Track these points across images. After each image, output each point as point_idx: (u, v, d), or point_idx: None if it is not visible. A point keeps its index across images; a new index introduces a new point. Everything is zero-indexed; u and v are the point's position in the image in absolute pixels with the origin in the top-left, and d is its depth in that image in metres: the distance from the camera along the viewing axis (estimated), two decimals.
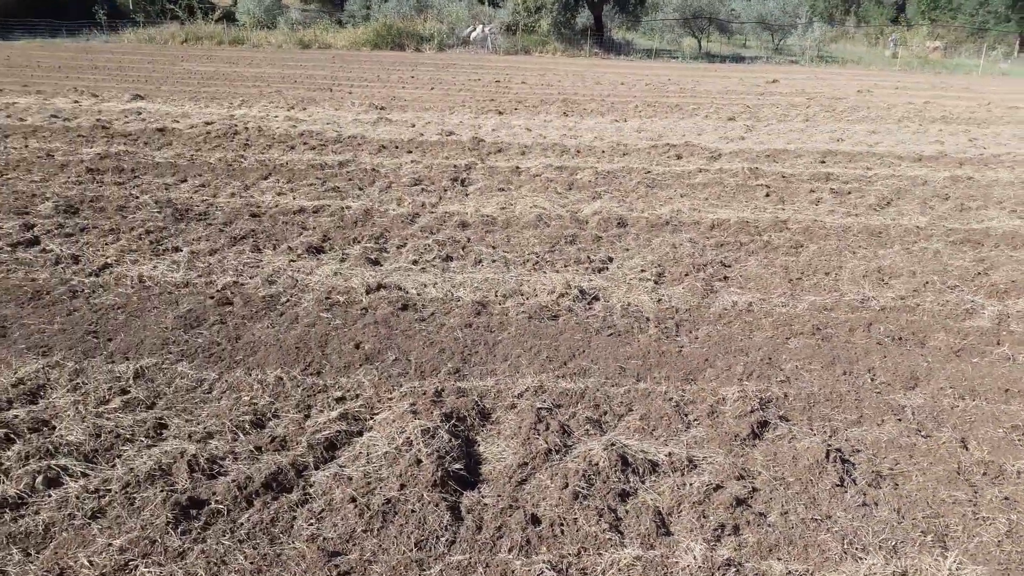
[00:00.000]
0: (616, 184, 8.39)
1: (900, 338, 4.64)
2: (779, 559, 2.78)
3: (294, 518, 2.92)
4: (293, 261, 5.57)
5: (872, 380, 4.13)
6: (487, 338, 4.49)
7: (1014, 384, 4.08)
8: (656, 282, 5.41)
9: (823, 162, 10.21)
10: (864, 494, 3.16)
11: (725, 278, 5.58)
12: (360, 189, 7.78)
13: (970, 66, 37.64)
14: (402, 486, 3.07)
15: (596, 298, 5.09)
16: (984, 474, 3.31)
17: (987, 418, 3.75)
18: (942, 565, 2.70)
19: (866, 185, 8.80)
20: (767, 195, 8.15)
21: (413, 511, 2.94)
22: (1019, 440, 3.56)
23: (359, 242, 6.08)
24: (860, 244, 6.50)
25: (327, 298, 4.93)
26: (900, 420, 3.73)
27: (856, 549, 2.84)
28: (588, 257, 5.86)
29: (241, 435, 3.39)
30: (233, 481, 3.05)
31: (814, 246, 6.38)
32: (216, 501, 2.96)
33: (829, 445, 3.42)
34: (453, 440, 3.37)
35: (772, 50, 41.92)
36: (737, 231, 6.74)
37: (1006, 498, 3.14)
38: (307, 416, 3.60)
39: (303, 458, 3.26)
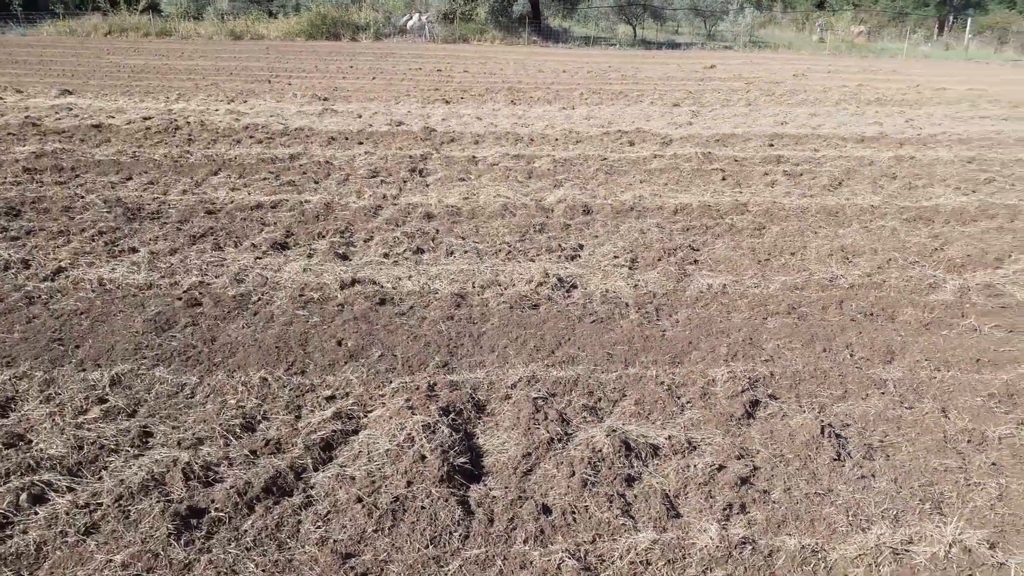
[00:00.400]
0: (575, 172, 8.43)
1: (871, 314, 4.80)
2: (789, 535, 2.84)
3: (299, 522, 2.85)
4: (259, 259, 5.41)
5: (851, 356, 4.26)
6: (471, 330, 4.45)
7: (983, 354, 4.26)
8: (631, 268, 5.46)
9: (771, 145, 10.45)
10: (860, 467, 3.26)
11: (696, 261, 5.67)
12: (316, 182, 7.61)
13: (894, 49, 39.07)
14: (409, 483, 3.02)
15: (574, 286, 5.10)
16: (969, 441, 3.45)
17: (964, 387, 3.91)
18: (944, 531, 2.80)
19: (816, 167, 9.05)
20: (723, 179, 8.30)
21: (423, 507, 2.90)
22: (996, 407, 3.72)
23: (324, 237, 5.95)
24: (820, 224, 6.69)
25: (301, 295, 4.82)
26: (883, 393, 3.85)
27: (861, 520, 2.92)
28: (559, 245, 5.87)
29: (233, 440, 3.28)
30: (231, 487, 2.95)
31: (776, 227, 6.53)
32: (216, 509, 2.86)
33: (821, 421, 3.52)
34: (454, 434, 3.33)
35: (705, 36, 42.69)
36: (700, 215, 6.85)
37: (993, 464, 3.28)
38: (298, 417, 3.51)
39: (301, 460, 3.17)
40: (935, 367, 4.12)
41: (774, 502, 3.04)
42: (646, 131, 11.17)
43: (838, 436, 3.46)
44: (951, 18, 47.26)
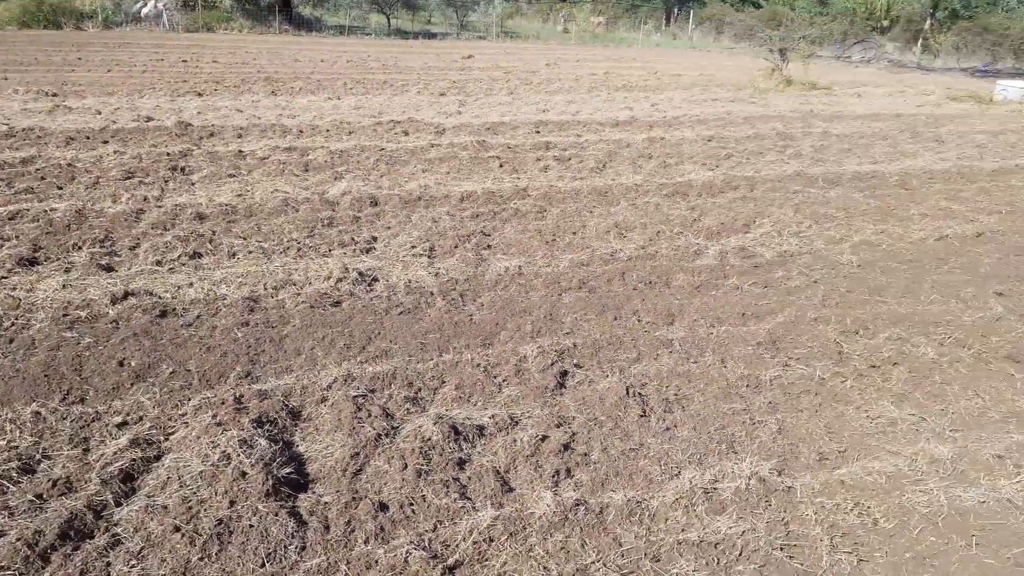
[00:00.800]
0: (354, 163, 8.29)
1: (650, 282, 5.29)
2: (614, 490, 3.08)
3: (108, 564, 2.58)
4: (4, 278, 4.72)
5: (639, 321, 4.67)
6: (271, 334, 4.25)
7: (747, 309, 4.89)
8: (429, 256, 5.51)
9: (538, 132, 11.03)
10: (663, 420, 3.61)
11: (489, 246, 5.86)
12: (60, 188, 6.77)
13: (631, 39, 42.73)
14: (232, 503, 2.84)
15: (375, 279, 5.05)
16: (747, 386, 3.95)
17: (736, 339, 4.46)
18: (742, 467, 3.20)
19: (582, 151, 9.71)
20: (501, 166, 8.63)
21: (252, 526, 2.75)
22: (764, 354, 4.29)
23: (81, 247, 5.33)
24: (594, 204, 7.21)
25: (65, 315, 4.29)
26: (671, 352, 4.28)
27: (672, 468, 3.25)
28: (352, 239, 5.77)
29: (11, 486, 2.87)
30: (18, 539, 2.59)
31: (556, 209, 6.94)
32: (2, 568, 2.50)
33: (624, 383, 3.84)
34: (274, 445, 3.19)
35: (458, 26, 43.69)
36: (486, 201, 7.08)
37: (770, 403, 3.79)
38: (87, 450, 3.15)
39: (99, 496, 2.86)
40: (710, 324, 4.65)
41: (595, 463, 3.27)
42: (418, 120, 11.25)
43: (640, 395, 3.79)
44: (676, 10, 52.63)
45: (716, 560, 2.71)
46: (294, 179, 7.46)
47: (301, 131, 9.97)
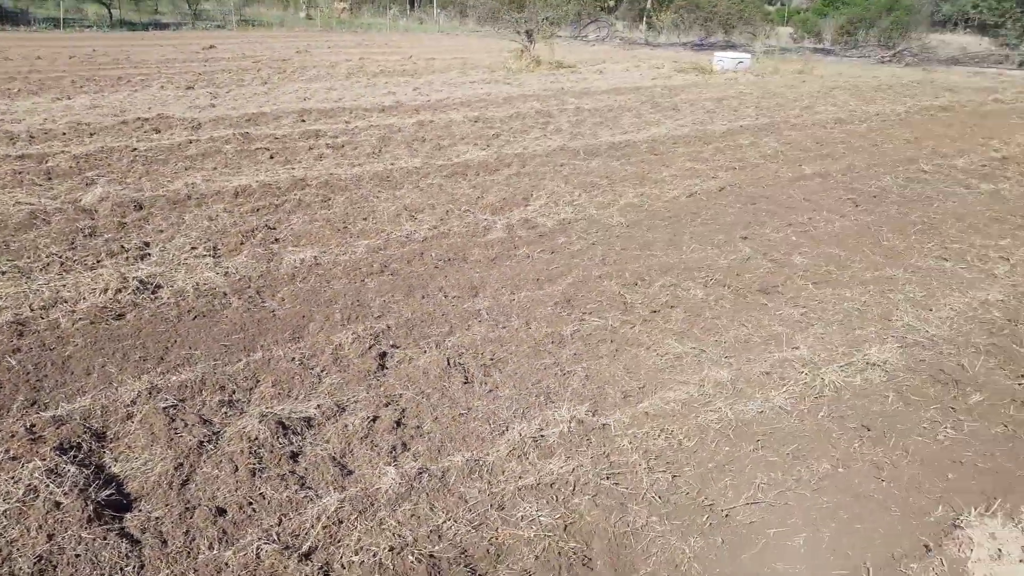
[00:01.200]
0: (105, 166, 7.62)
1: (449, 259, 5.51)
2: (452, 454, 3.26)
3: None
4: None
5: (446, 296, 4.87)
6: (51, 357, 3.89)
7: (540, 274, 5.27)
8: (214, 256, 5.28)
9: (303, 120, 10.80)
10: (485, 383, 3.84)
11: (278, 240, 5.74)
12: None
13: (379, 24, 42.66)
14: (50, 536, 2.64)
15: (159, 286, 4.76)
16: (553, 343, 4.31)
17: (535, 303, 4.81)
18: (562, 413, 3.52)
19: (353, 137, 9.69)
20: (271, 157, 8.38)
21: (79, 555, 2.58)
22: (562, 312, 4.68)
23: None
24: (379, 189, 7.28)
25: None
26: (481, 321, 4.53)
27: (501, 424, 3.49)
28: (122, 247, 5.36)
29: None
30: None
31: (341, 197, 6.92)
32: None
33: (444, 355, 4.03)
34: (85, 470, 2.98)
35: (191, 16, 40.86)
36: (263, 195, 6.87)
37: (575, 354, 4.17)
38: None
39: None
40: (511, 291, 4.97)
41: (429, 432, 3.43)
42: (169, 117, 10.53)
43: (460, 364, 4.00)
44: None
45: (554, 497, 3.00)
46: (37, 189, 6.71)
47: (32, 136, 8.93)
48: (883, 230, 6.45)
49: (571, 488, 3.06)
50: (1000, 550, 2.81)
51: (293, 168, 7.95)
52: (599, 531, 2.83)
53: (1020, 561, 2.77)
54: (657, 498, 3.01)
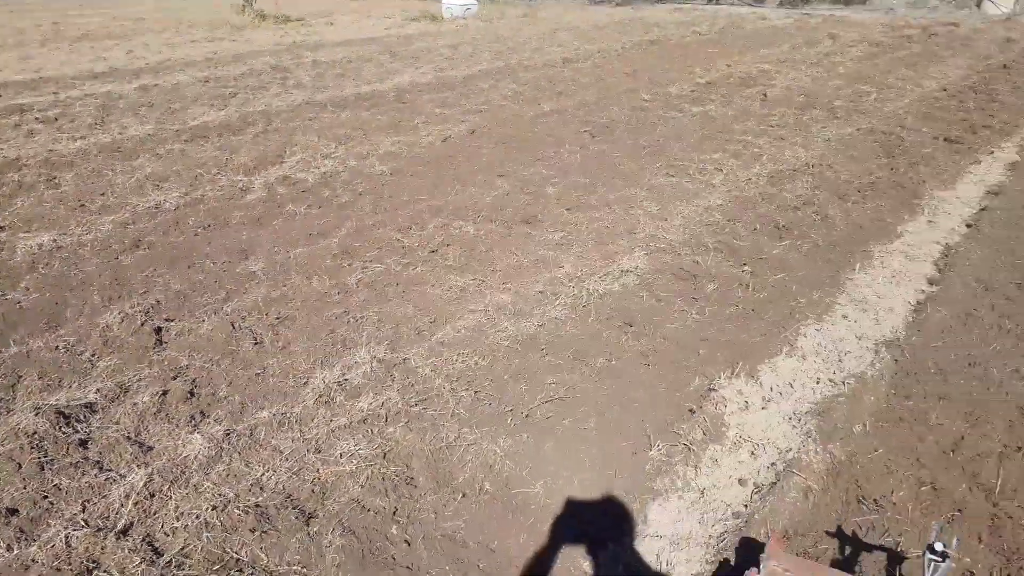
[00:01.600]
0: None
1: (209, 225, 5.31)
2: (254, 413, 3.28)
3: None
4: None
5: (215, 263, 4.73)
6: None
7: (313, 229, 5.27)
8: None
9: (0, 96, 9.53)
10: (277, 341, 3.86)
11: (3, 227, 5.15)
12: None
13: None
14: None
15: None
16: (339, 293, 4.39)
17: (314, 257, 4.83)
18: (362, 355, 3.66)
19: (68, 109, 8.75)
20: None
21: None
22: (343, 263, 4.76)
23: None
24: (112, 161, 6.71)
25: None
26: (258, 283, 4.48)
27: (301, 376, 3.56)
28: None
29: None
30: None
31: (70, 174, 6.30)
32: None
33: (227, 320, 3.97)
34: None
35: None
36: None
37: (364, 300, 4.30)
38: None
39: None
40: (285, 249, 4.93)
41: (227, 397, 3.41)
42: None
43: (246, 327, 3.97)
44: None
45: (369, 431, 3.16)
46: None
47: None
48: (618, 156, 7.20)
49: (384, 420, 3.23)
50: (747, 402, 3.46)
51: (1, 148, 7.06)
52: (416, 452, 3.05)
53: (762, 408, 3.43)
54: (464, 412, 3.29)
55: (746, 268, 4.78)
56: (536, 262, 4.84)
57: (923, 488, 2.88)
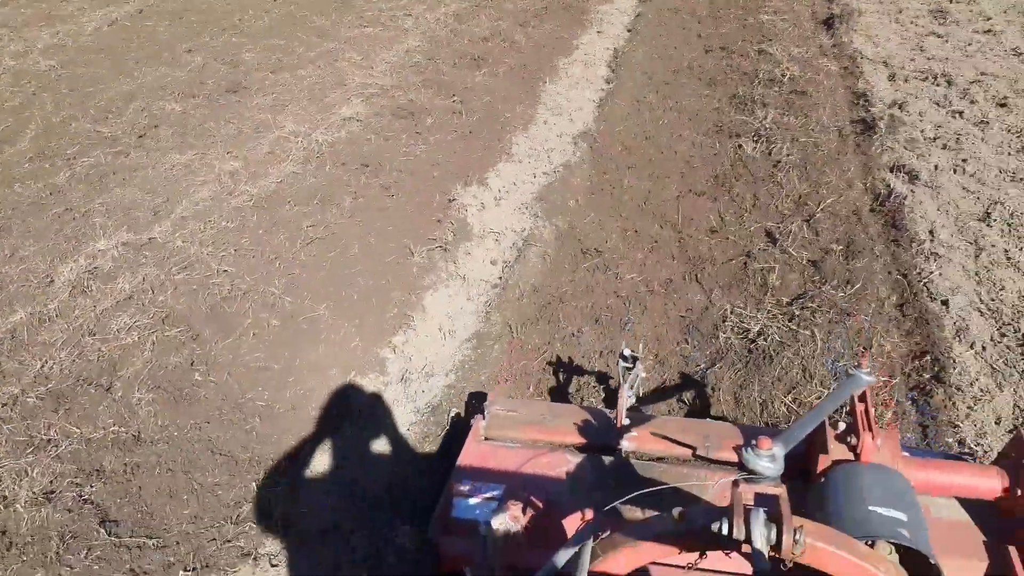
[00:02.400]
0: None
1: None
2: (7, 317, 3.20)
3: None
4: None
5: None
6: None
7: None
8: None
9: None
10: (2, 252, 3.67)
11: None
12: None
13: None
14: None
15: None
16: (51, 194, 4.17)
17: (5, 167, 4.46)
18: (100, 244, 3.62)
19: None
20: None
21: None
22: (40, 167, 4.46)
23: None
24: None
25: None
26: None
27: (42, 277, 3.47)
28: None
29: None
30: None
31: None
32: None
33: None
34: None
35: None
36: None
37: (84, 195, 4.13)
38: None
39: None
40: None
41: None
42: None
43: None
44: None
45: (141, 304, 3.24)
46: None
47: None
48: (308, 14, 7.17)
49: (152, 292, 3.32)
50: (483, 203, 4.00)
51: None
52: (194, 312, 3.22)
53: (496, 205, 4.00)
54: (231, 268, 3.47)
55: (456, 98, 5.24)
56: (256, 127, 4.90)
57: (628, 233, 3.65)
